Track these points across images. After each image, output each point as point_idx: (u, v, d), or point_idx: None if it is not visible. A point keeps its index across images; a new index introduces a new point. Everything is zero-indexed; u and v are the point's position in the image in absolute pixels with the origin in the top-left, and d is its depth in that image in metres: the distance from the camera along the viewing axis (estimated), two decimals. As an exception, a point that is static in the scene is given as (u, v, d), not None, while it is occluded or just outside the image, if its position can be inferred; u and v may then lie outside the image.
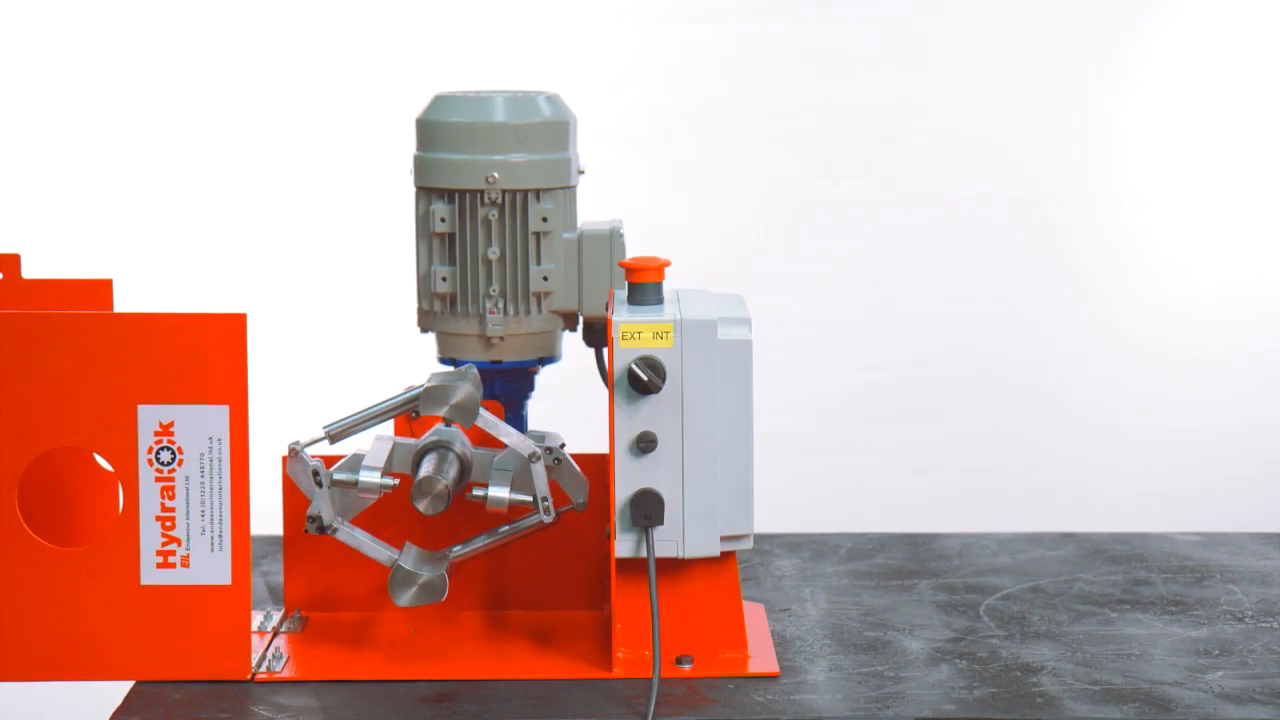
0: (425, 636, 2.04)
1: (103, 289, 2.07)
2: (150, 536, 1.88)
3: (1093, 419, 4.04)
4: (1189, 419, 4.04)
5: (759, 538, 2.33)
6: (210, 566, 1.89)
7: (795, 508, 3.62)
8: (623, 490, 1.90)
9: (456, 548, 1.99)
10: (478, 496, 1.97)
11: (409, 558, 1.95)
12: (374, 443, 2.00)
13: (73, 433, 1.88)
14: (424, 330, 2.11)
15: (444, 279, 2.05)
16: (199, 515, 1.89)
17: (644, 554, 1.90)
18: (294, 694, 1.88)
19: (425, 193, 2.07)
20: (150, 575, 1.88)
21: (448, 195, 2.05)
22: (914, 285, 4.02)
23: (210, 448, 1.88)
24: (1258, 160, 4.04)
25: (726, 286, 2.06)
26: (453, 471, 1.95)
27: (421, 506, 1.93)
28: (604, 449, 1.92)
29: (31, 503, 1.91)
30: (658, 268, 1.95)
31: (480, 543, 2.00)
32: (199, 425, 1.88)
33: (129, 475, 1.88)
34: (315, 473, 1.94)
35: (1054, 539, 2.38)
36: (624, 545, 1.91)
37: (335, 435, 1.96)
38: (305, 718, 1.83)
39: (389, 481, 1.96)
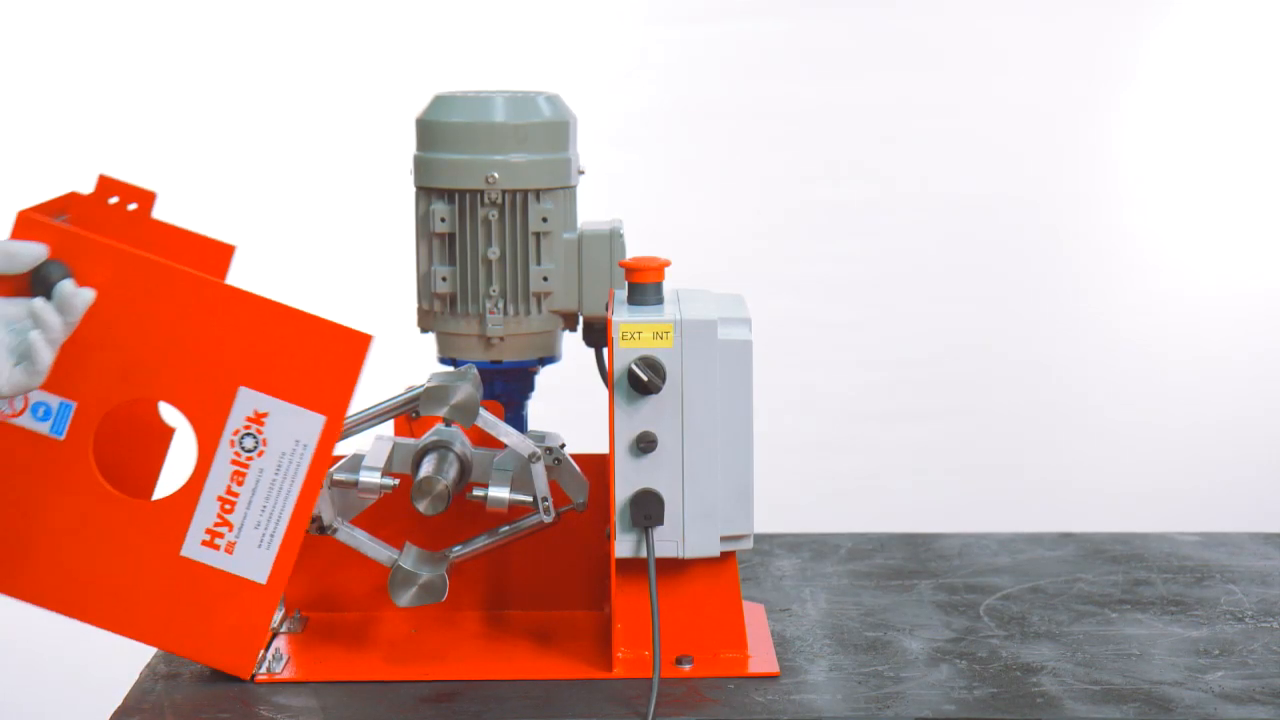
0: (425, 636, 2.04)
1: (223, 254, 2.06)
2: (206, 512, 1.88)
3: (1093, 419, 4.04)
4: (1189, 419, 4.04)
5: (759, 538, 2.33)
6: (252, 561, 1.89)
7: (795, 508, 3.62)
8: (623, 490, 1.90)
9: (456, 548, 1.99)
10: (478, 496, 1.97)
11: (409, 558, 1.95)
12: (374, 443, 2.01)
13: (169, 389, 1.87)
14: (424, 330, 2.11)
15: (444, 279, 2.05)
16: (259, 509, 1.88)
17: (644, 554, 1.91)
18: (294, 694, 1.88)
19: (425, 193, 2.07)
20: (192, 549, 1.88)
21: (448, 195, 2.05)
22: (914, 285, 4.02)
23: (293, 450, 1.88)
24: (1258, 160, 4.04)
25: (726, 286, 2.06)
26: (453, 471, 1.95)
27: (421, 507, 1.93)
28: (604, 449, 1.92)
29: (98, 440, 1.91)
30: (658, 268, 1.95)
31: (480, 543, 2.00)
32: (291, 425, 1.88)
33: (207, 448, 1.87)
34: (315, 473, 1.94)
35: (1054, 539, 2.38)
36: (624, 545, 1.91)
37: (335, 435, 1.96)
38: (305, 718, 1.83)
39: (389, 481, 1.96)
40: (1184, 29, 4.02)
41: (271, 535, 1.89)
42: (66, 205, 1.98)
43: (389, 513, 2.03)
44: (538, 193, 2.04)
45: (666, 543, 1.91)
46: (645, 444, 1.89)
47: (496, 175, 2.03)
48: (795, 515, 3.21)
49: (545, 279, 2.05)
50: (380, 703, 1.86)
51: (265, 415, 1.87)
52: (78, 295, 1.78)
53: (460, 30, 3.96)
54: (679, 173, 4.00)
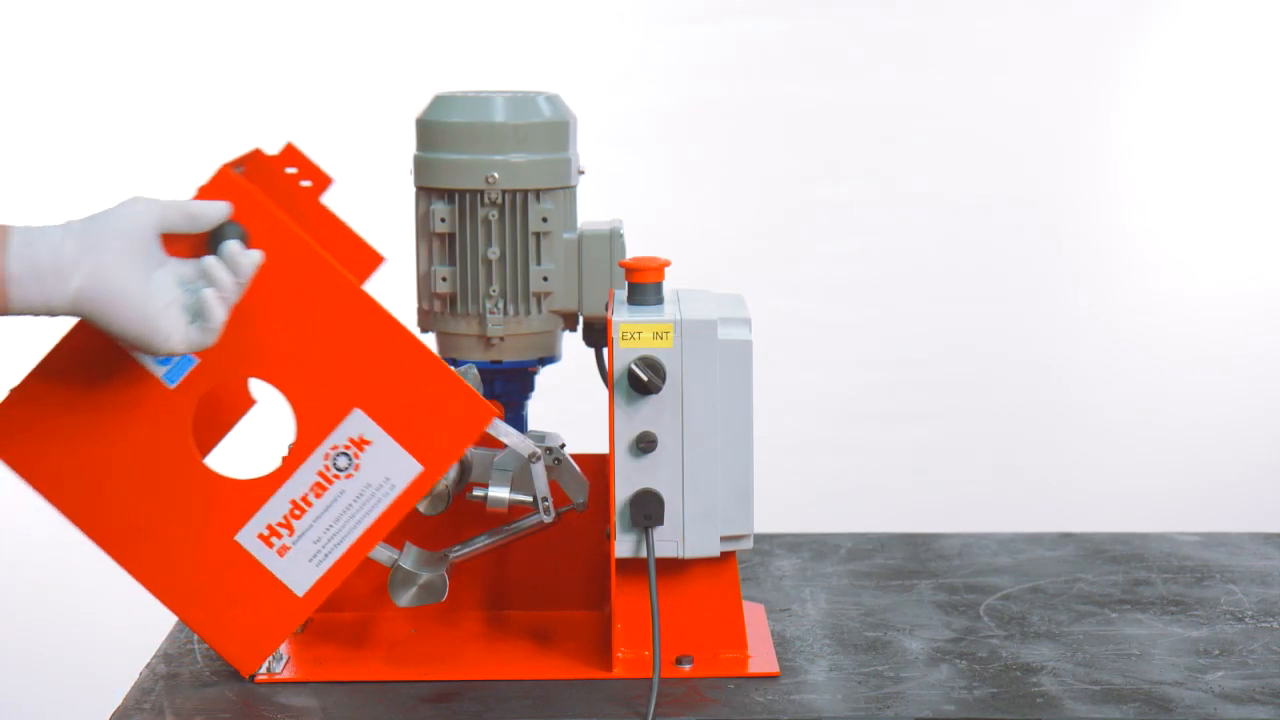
0: (425, 636, 2.04)
1: (371, 262, 2.07)
2: (274, 509, 1.88)
3: (1093, 419, 4.05)
4: (1189, 419, 4.04)
5: (759, 538, 2.33)
6: (298, 571, 1.89)
7: (795, 508, 3.62)
8: (623, 490, 1.90)
9: (456, 548, 1.99)
10: (478, 496, 1.97)
11: (409, 558, 1.95)
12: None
13: (289, 382, 1.87)
14: (424, 330, 2.11)
15: (444, 279, 2.05)
16: (325, 527, 1.88)
17: (644, 554, 1.90)
18: (294, 694, 1.88)
19: (425, 193, 2.06)
20: (247, 537, 1.88)
21: (448, 195, 2.05)
22: (914, 285, 4.02)
23: (380, 485, 1.88)
24: (1257, 160, 4.04)
25: (726, 286, 2.06)
26: (453, 472, 1.95)
27: (421, 507, 1.93)
28: (604, 449, 1.92)
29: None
30: (658, 268, 1.95)
31: (480, 543, 2.00)
32: (388, 462, 1.88)
33: (302, 451, 1.87)
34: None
35: (1054, 539, 2.38)
36: (624, 545, 1.91)
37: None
38: (305, 718, 1.83)
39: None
40: (1184, 29, 4.02)
41: (326, 555, 1.89)
42: (248, 160, 1.99)
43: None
44: (538, 193, 2.04)
45: (666, 543, 1.91)
46: (645, 444, 1.89)
47: (496, 175, 2.03)
48: (795, 515, 3.22)
49: (545, 279, 2.05)
50: (380, 703, 1.86)
51: (368, 443, 1.87)
52: (246, 256, 1.78)
53: (460, 30, 3.96)
54: (679, 173, 4.01)
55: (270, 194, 1.95)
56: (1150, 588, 2.20)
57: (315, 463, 1.88)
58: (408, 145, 2.08)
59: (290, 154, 2.04)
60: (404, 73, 3.86)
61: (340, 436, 1.88)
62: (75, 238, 1.73)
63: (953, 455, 4.00)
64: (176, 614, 1.91)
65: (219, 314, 1.77)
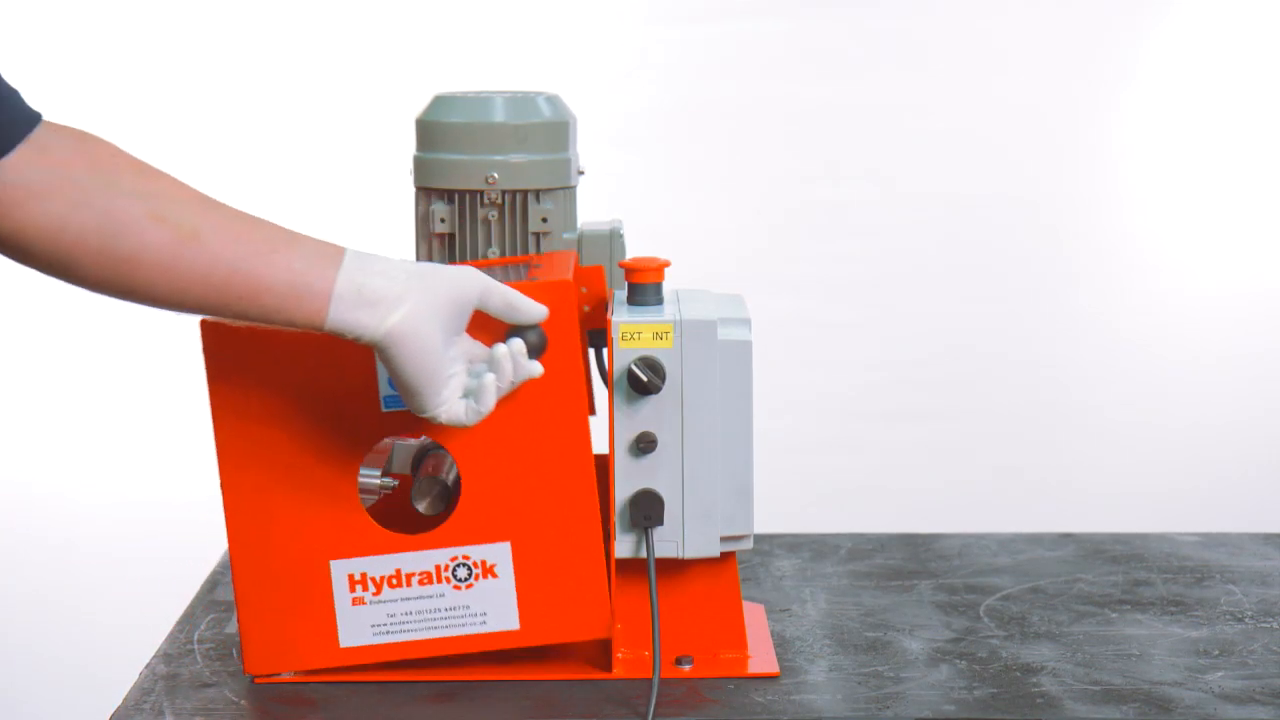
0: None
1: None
2: (378, 565, 1.86)
3: (1092, 419, 4.05)
4: (1189, 419, 4.04)
5: (759, 538, 2.33)
6: (355, 627, 1.88)
7: (795, 508, 3.62)
8: (623, 490, 1.90)
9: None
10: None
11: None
12: (374, 443, 2.00)
13: (477, 472, 1.86)
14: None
15: (444, 279, 2.05)
16: (404, 611, 1.88)
17: (644, 554, 1.90)
18: (294, 694, 1.88)
19: (425, 193, 2.06)
20: (339, 567, 1.86)
21: (447, 195, 2.05)
22: (914, 285, 4.02)
23: (473, 615, 1.89)
24: (1258, 160, 4.04)
25: (726, 286, 2.06)
26: (453, 472, 1.95)
27: (421, 507, 1.92)
28: (604, 449, 1.92)
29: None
30: (658, 268, 1.95)
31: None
32: (496, 602, 1.88)
33: (443, 535, 1.88)
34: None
35: (1054, 539, 2.38)
36: (624, 545, 1.91)
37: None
38: (305, 718, 1.83)
39: (389, 482, 1.95)
40: (1184, 29, 4.02)
41: (387, 633, 1.89)
42: (583, 274, 1.97)
43: (389, 513, 2.03)
44: (538, 193, 2.04)
45: (666, 543, 1.91)
46: (645, 444, 1.89)
47: (496, 175, 2.03)
48: (795, 515, 3.21)
49: (545, 279, 2.05)
50: (380, 703, 1.86)
51: (494, 576, 1.88)
52: (530, 365, 1.81)
53: (460, 30, 3.96)
54: (679, 173, 4.01)
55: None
56: (1150, 588, 2.20)
57: (442, 555, 1.88)
58: (408, 145, 2.08)
59: (594, 274, 2.01)
60: (404, 73, 3.86)
61: (478, 552, 1.88)
62: (408, 278, 1.75)
63: (953, 455, 4.00)
64: (235, 584, 1.89)
65: (490, 402, 1.79)
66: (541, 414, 1.86)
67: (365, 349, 1.78)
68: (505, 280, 1.84)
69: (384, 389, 1.86)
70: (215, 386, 1.86)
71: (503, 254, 2.04)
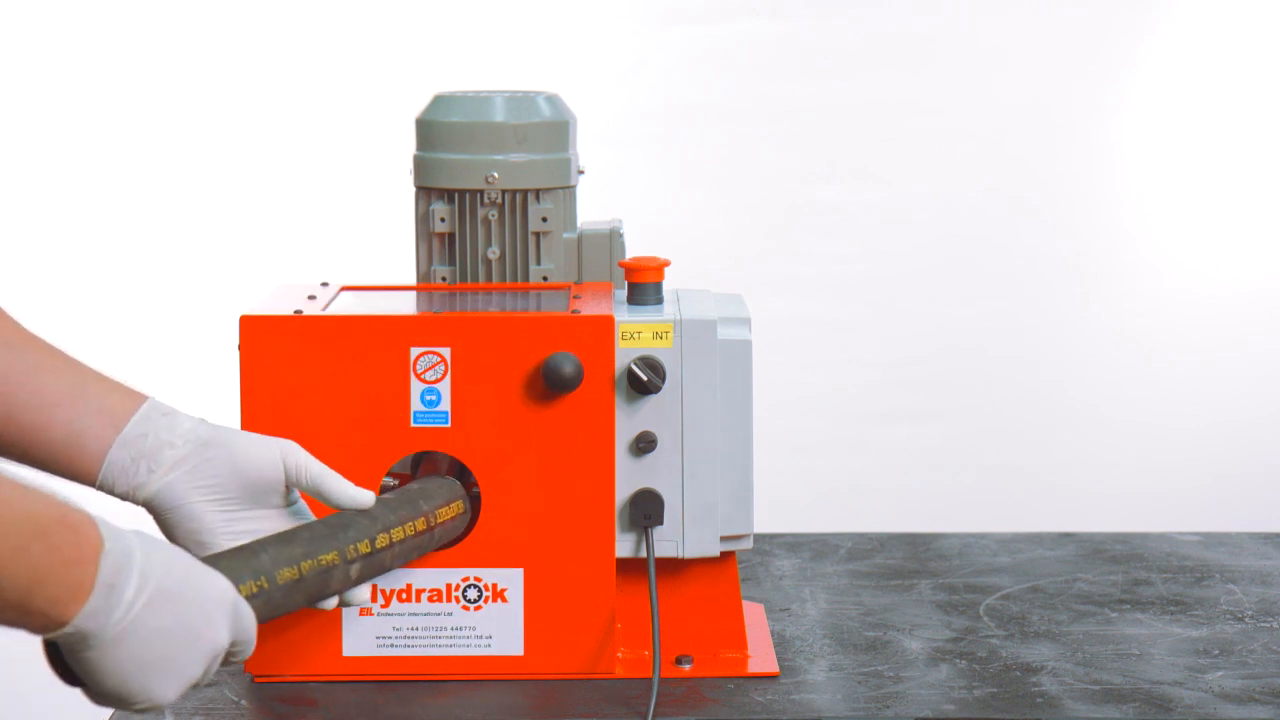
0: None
1: None
2: (389, 577, 1.86)
3: (1092, 418, 4.05)
4: (1189, 419, 4.04)
5: (759, 538, 2.33)
6: (360, 637, 1.88)
7: (795, 508, 3.62)
8: (622, 490, 1.90)
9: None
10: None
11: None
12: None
13: (504, 491, 1.86)
14: (424, 330, 2.11)
15: (444, 279, 2.05)
16: (409, 626, 1.88)
17: (644, 554, 1.90)
18: (294, 694, 1.88)
19: (425, 193, 2.06)
20: (360, 591, 1.82)
21: (447, 195, 2.05)
22: (914, 285, 4.02)
23: (478, 638, 1.88)
24: (1258, 160, 4.04)
25: (726, 286, 2.06)
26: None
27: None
28: (604, 449, 1.92)
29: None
30: (658, 268, 1.95)
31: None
32: (503, 626, 1.88)
33: (459, 556, 1.88)
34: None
35: (1054, 539, 2.38)
36: (624, 545, 1.91)
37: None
38: (305, 717, 1.83)
39: (389, 482, 1.95)
40: (1184, 29, 4.02)
41: (390, 646, 1.88)
42: None
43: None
44: (537, 193, 2.04)
45: (666, 543, 1.91)
46: (645, 444, 1.89)
47: (496, 175, 2.03)
48: (795, 515, 3.22)
49: (545, 279, 2.05)
50: (380, 702, 1.86)
51: (504, 600, 1.87)
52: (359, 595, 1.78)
53: (460, 30, 3.96)
54: (679, 173, 4.01)
55: None
56: (1150, 588, 2.20)
57: (454, 575, 1.88)
58: (408, 145, 2.08)
59: None
60: (404, 73, 3.86)
61: (491, 575, 1.88)
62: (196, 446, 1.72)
63: (953, 455, 4.00)
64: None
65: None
66: (571, 446, 1.86)
67: (402, 365, 1.79)
68: (540, 311, 1.85)
69: (415, 397, 1.86)
70: (248, 384, 1.86)
71: (503, 254, 2.04)
